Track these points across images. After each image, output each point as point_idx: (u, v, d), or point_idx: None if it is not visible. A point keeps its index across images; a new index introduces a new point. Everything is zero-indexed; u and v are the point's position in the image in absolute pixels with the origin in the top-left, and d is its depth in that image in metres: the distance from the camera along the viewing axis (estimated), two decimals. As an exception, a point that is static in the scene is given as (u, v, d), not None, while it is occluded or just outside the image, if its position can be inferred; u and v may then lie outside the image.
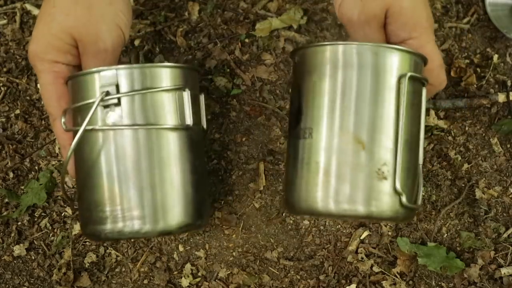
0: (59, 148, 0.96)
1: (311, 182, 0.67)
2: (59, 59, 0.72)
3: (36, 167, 0.95)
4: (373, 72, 0.66)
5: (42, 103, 1.01)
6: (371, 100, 0.66)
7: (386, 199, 0.66)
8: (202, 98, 0.76)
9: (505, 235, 0.86)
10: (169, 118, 0.68)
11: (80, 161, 0.70)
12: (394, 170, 0.67)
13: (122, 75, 0.66)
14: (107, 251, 0.88)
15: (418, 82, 0.69)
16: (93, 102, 0.66)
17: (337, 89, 0.67)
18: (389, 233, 0.86)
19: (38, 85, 1.03)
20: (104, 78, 0.66)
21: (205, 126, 0.76)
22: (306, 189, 0.68)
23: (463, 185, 0.89)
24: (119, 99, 0.66)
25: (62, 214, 0.91)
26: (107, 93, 0.66)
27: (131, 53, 1.04)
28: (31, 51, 0.72)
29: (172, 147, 0.68)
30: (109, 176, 0.67)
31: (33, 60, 0.73)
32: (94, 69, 0.67)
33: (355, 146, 0.66)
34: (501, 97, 0.94)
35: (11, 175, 0.95)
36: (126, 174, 0.67)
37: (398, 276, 0.84)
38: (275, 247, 0.88)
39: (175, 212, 0.68)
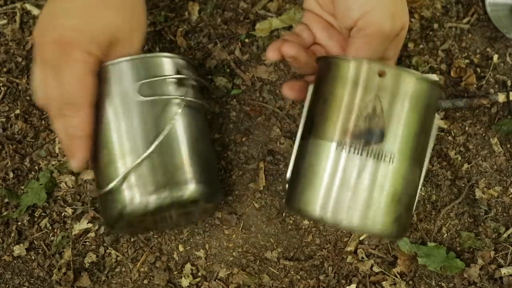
0: (59, 148, 0.96)
1: (341, 196, 0.67)
2: (97, 53, 0.72)
3: (36, 167, 0.95)
4: (422, 103, 0.67)
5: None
6: (417, 130, 0.67)
7: (402, 223, 0.68)
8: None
9: (505, 235, 0.86)
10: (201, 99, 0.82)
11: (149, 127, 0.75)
12: (416, 196, 0.69)
13: (185, 64, 0.81)
14: (107, 251, 0.88)
15: None
16: (179, 78, 0.78)
17: (381, 112, 0.67)
18: (389, 233, 0.87)
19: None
20: (179, 64, 0.80)
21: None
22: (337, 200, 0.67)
23: (463, 185, 0.89)
24: (186, 79, 0.79)
25: (62, 214, 0.91)
26: (180, 73, 0.79)
27: (131, 53, 1.04)
28: (72, 37, 0.70)
29: (202, 123, 0.81)
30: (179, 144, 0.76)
31: (69, 47, 0.70)
32: (173, 54, 0.78)
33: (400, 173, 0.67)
34: (501, 97, 0.94)
35: (11, 175, 0.95)
36: (184, 144, 0.76)
37: (398, 276, 0.84)
38: (275, 247, 0.88)
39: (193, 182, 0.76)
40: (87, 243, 0.89)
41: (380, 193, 0.66)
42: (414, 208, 0.71)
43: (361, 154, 0.66)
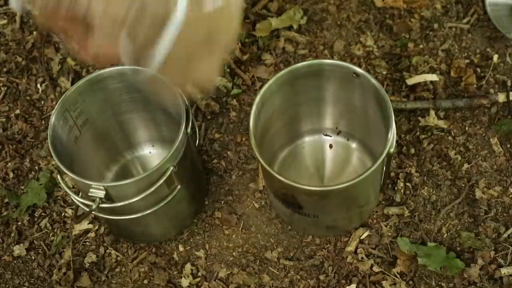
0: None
1: None
2: None
3: (36, 167, 0.95)
4: None
5: (42, 103, 1.01)
6: None
7: None
8: None
9: (505, 235, 0.86)
10: None
11: None
12: None
13: None
14: (107, 251, 0.88)
15: None
16: None
17: None
18: (389, 234, 0.86)
19: (38, 85, 1.03)
20: None
21: None
22: None
23: (463, 185, 0.89)
24: None
25: (62, 214, 0.91)
26: None
27: (131, 53, 1.04)
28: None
29: None
30: None
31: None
32: None
33: None
34: (501, 97, 0.94)
35: (11, 175, 0.95)
36: None
37: (398, 276, 0.84)
38: (275, 247, 0.88)
39: None
40: (87, 243, 0.89)
41: None
42: None
43: None
